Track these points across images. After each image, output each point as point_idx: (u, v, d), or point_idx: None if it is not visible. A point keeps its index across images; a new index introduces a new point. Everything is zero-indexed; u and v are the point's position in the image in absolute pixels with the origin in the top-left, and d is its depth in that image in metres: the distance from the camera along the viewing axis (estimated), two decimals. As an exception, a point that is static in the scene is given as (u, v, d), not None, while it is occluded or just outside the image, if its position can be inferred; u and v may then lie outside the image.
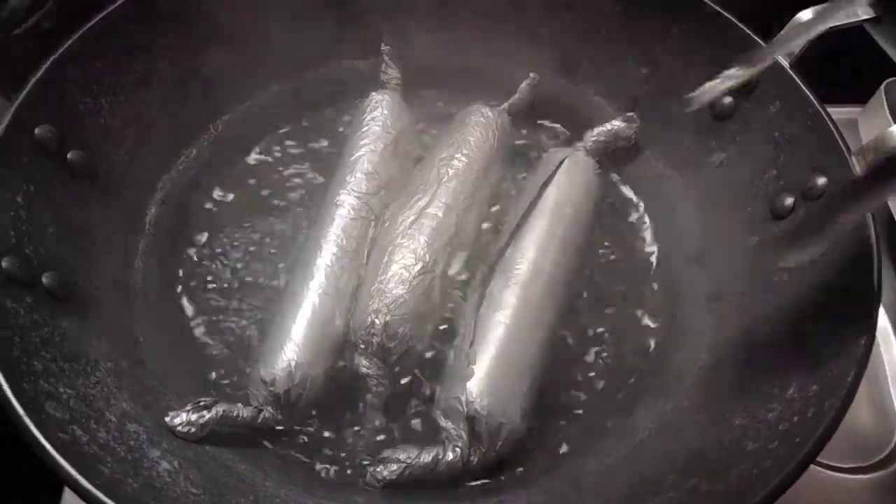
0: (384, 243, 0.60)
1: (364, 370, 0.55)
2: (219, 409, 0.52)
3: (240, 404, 0.54)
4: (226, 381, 0.60)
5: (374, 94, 0.70)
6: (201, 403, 0.52)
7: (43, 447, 0.42)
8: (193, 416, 0.51)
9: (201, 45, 0.68)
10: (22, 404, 0.43)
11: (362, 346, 0.55)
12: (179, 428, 0.51)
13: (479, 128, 0.68)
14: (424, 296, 0.57)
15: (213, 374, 0.60)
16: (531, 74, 0.72)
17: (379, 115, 0.68)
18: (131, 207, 0.64)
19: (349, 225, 0.61)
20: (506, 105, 0.71)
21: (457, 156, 0.65)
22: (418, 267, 0.57)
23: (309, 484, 0.54)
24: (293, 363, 0.54)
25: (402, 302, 0.56)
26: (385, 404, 0.56)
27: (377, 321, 0.55)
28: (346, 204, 0.62)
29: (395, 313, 0.55)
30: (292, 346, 0.55)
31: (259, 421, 0.53)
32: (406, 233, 0.59)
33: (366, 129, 0.67)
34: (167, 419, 0.51)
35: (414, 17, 0.75)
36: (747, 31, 0.63)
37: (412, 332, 0.56)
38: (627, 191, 0.73)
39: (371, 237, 0.61)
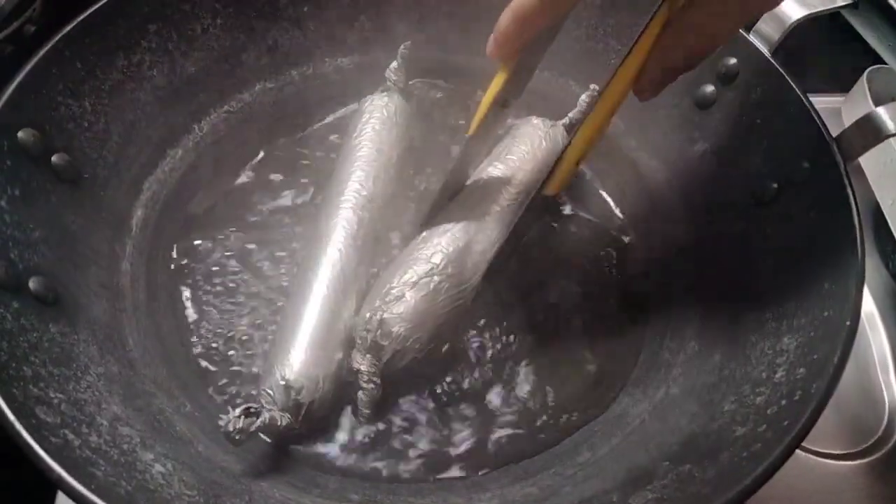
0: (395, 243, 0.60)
1: (356, 365, 0.55)
2: (266, 416, 0.50)
3: (283, 412, 0.52)
4: (218, 383, 0.60)
5: (374, 95, 0.70)
6: (251, 409, 0.50)
7: (35, 452, 0.42)
8: (243, 423, 0.49)
9: (184, 45, 0.68)
10: (12, 409, 0.43)
11: (358, 342, 0.55)
12: (233, 435, 0.49)
13: (527, 139, 0.67)
14: (428, 297, 0.56)
15: (205, 377, 0.60)
16: (591, 86, 0.70)
17: (380, 115, 0.68)
18: (117, 209, 0.64)
19: (355, 230, 0.61)
20: (566, 119, 0.71)
21: (496, 164, 0.65)
22: (427, 268, 0.56)
23: (304, 483, 0.54)
24: (321, 377, 0.53)
25: (402, 301, 0.55)
26: (374, 403, 0.56)
27: (374, 317, 0.54)
28: (347, 208, 0.61)
29: (393, 311, 0.55)
30: (324, 355, 0.54)
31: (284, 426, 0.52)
32: (423, 236, 0.59)
33: (368, 128, 0.67)
34: (220, 423, 0.49)
35: (398, 14, 0.75)
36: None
37: (409, 332, 0.55)
38: (611, 184, 0.73)
39: (374, 238, 0.62)
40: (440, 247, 0.58)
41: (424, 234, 0.60)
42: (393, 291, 0.55)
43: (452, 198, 0.63)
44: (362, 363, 0.54)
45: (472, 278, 0.59)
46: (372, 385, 0.55)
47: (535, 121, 0.70)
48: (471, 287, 0.59)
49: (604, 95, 0.48)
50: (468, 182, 0.65)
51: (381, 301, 0.55)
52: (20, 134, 0.55)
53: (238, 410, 0.49)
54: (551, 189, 0.55)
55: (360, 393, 0.55)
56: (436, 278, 0.56)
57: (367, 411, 0.56)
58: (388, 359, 0.55)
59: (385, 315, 0.54)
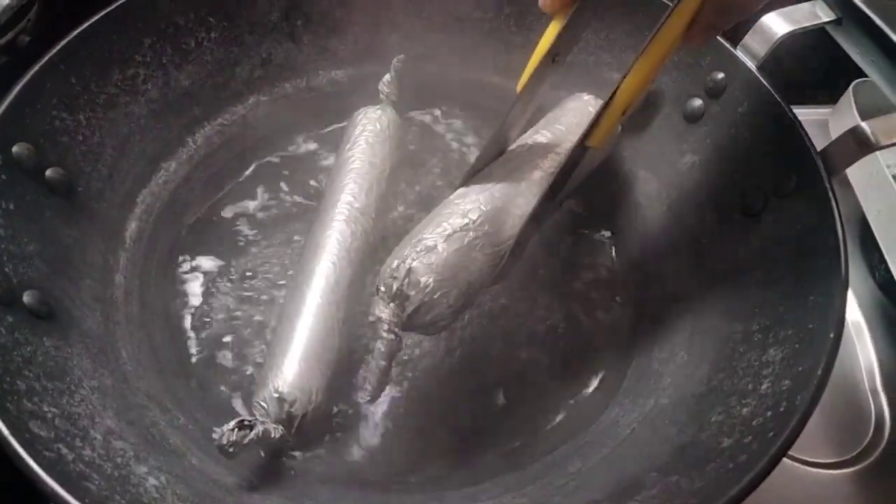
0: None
1: (377, 313, 0.50)
2: (259, 428, 0.50)
3: (276, 424, 0.52)
4: (212, 395, 0.60)
5: (367, 107, 0.71)
6: (245, 422, 0.50)
7: (29, 466, 0.42)
8: (237, 436, 0.49)
9: (178, 58, 0.69)
10: (6, 424, 0.43)
11: (382, 290, 0.51)
12: (227, 448, 0.49)
13: (577, 112, 0.66)
14: (462, 252, 0.52)
15: (198, 389, 0.61)
16: None
17: (373, 128, 0.68)
18: (111, 223, 0.64)
19: (349, 242, 0.61)
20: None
21: (543, 131, 0.63)
22: (462, 222, 0.53)
23: (296, 495, 0.54)
24: (314, 389, 0.54)
25: (434, 251, 0.51)
26: (392, 356, 0.51)
27: (403, 265, 0.50)
28: (341, 220, 0.62)
29: (423, 261, 0.50)
30: (318, 367, 0.55)
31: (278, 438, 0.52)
32: (460, 191, 0.57)
33: (361, 141, 0.68)
34: (214, 436, 0.49)
35: (391, 27, 0.76)
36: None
37: (438, 285, 0.50)
38: (601, 194, 0.73)
39: (367, 250, 0.62)
40: (478, 203, 0.54)
41: (462, 190, 0.57)
42: (425, 241, 0.51)
43: (494, 159, 0.61)
44: (384, 311, 0.50)
45: (509, 241, 0.55)
46: (392, 335, 0.50)
47: (586, 97, 0.69)
48: (506, 249, 0.55)
49: (655, 40, 0.46)
50: (512, 146, 0.62)
51: (411, 249, 0.51)
52: (15, 148, 0.55)
53: (232, 423, 0.49)
54: (595, 141, 0.51)
55: (378, 342, 0.51)
56: (471, 234, 0.52)
57: (383, 363, 0.51)
58: (413, 310, 0.50)
59: (414, 263, 0.50)
